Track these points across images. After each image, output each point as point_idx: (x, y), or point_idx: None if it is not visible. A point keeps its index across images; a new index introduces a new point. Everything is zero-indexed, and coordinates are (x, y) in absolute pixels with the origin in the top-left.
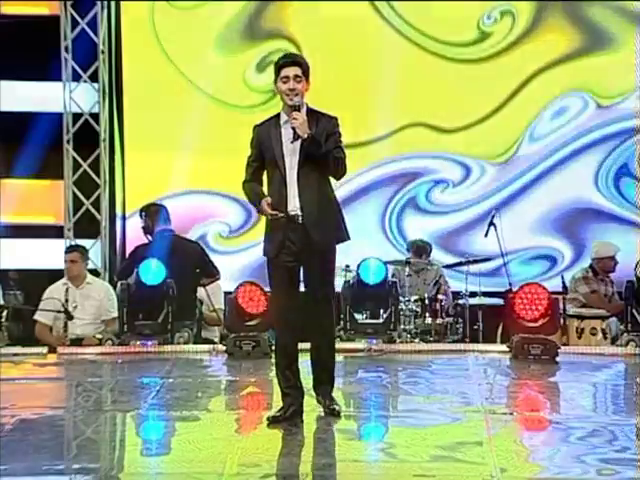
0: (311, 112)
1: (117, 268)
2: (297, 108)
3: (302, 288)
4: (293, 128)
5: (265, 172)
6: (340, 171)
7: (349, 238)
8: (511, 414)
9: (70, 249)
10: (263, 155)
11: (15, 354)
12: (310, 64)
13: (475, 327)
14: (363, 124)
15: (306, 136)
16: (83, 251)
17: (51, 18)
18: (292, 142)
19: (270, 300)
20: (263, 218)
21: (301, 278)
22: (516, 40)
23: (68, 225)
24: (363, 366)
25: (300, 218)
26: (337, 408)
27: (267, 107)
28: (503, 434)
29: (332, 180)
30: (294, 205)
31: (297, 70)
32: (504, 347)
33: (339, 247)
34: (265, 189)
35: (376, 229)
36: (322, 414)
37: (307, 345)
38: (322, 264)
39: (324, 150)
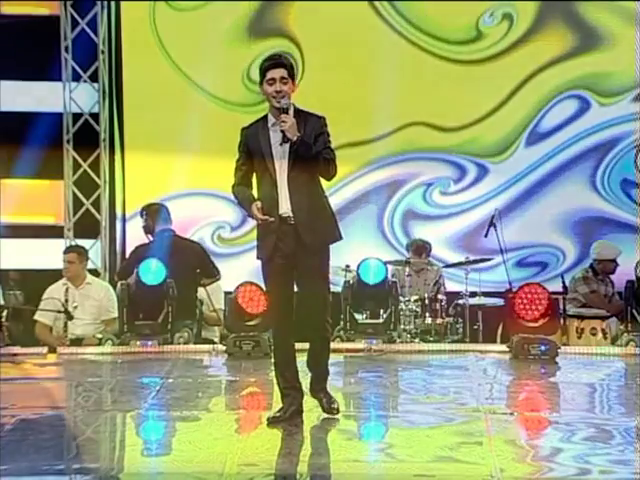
0: (298, 112)
1: (117, 268)
2: (285, 110)
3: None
4: (282, 131)
5: (255, 175)
6: (331, 171)
7: (341, 238)
8: (511, 414)
9: (67, 250)
10: (252, 158)
11: (15, 354)
12: (310, 63)
13: (475, 327)
14: (362, 123)
15: (295, 139)
16: (81, 251)
17: (51, 18)
18: (281, 144)
19: (268, 301)
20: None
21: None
22: (516, 41)
23: (68, 225)
24: (363, 366)
25: (292, 220)
26: (336, 405)
27: (268, 107)
28: (503, 434)
29: (333, 180)
30: (286, 207)
31: (283, 72)
32: (504, 347)
33: (339, 248)
34: (255, 192)
35: (377, 231)
36: (322, 414)
37: (305, 345)
38: (316, 264)
39: (314, 152)
